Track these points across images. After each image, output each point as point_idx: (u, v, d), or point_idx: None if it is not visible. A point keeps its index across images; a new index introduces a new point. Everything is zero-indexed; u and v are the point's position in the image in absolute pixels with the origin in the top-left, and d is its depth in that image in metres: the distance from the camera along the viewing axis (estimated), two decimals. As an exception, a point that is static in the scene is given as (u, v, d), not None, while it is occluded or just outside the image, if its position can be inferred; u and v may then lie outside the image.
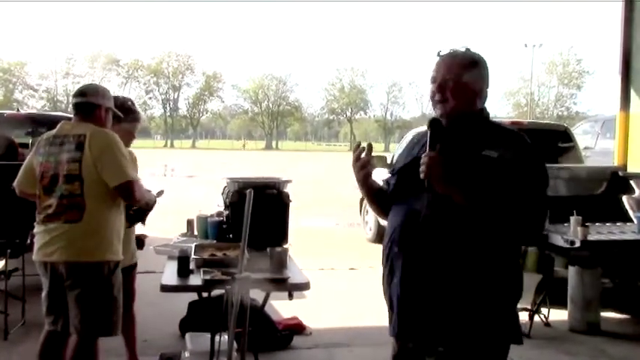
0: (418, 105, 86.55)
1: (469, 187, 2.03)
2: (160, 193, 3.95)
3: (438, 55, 2.26)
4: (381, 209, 2.40)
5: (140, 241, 4.03)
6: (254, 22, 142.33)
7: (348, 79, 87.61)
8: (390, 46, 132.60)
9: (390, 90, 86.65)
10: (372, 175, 2.34)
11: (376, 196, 2.43)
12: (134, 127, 3.92)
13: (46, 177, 3.27)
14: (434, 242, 2.09)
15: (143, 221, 3.84)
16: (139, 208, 3.72)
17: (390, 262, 2.24)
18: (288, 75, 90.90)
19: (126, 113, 3.80)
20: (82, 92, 3.43)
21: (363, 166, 2.27)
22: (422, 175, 2.06)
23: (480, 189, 2.03)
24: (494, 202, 2.02)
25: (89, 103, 3.37)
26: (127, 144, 3.89)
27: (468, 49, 2.26)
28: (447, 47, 2.26)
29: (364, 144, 2.31)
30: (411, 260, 2.14)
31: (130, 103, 3.97)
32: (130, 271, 3.86)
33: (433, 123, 2.16)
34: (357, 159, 2.27)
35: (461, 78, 2.17)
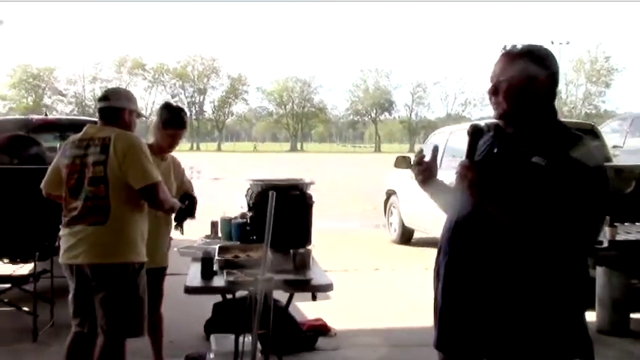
0: (443, 105, 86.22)
1: (505, 199, 1.91)
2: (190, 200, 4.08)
3: (503, 50, 2.10)
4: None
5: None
6: (278, 24, 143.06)
7: (373, 80, 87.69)
8: (414, 46, 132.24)
9: (414, 90, 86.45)
10: (434, 178, 2.25)
11: (443, 199, 2.31)
12: (177, 133, 3.99)
13: (72, 179, 3.31)
14: (474, 251, 2.01)
15: (193, 215, 3.99)
16: (189, 204, 3.90)
17: (437, 268, 2.19)
18: (313, 77, 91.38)
19: (174, 119, 3.94)
20: (104, 97, 3.49)
21: (425, 169, 2.22)
22: (454, 184, 2.01)
23: (518, 201, 1.90)
24: (531, 216, 1.88)
25: (112, 107, 3.42)
26: (169, 149, 4.01)
27: (525, 45, 2.07)
28: (510, 42, 2.09)
29: (425, 149, 2.27)
30: (452, 268, 2.09)
31: (182, 111, 4.10)
32: (160, 272, 3.92)
33: (473, 131, 2.06)
34: (418, 163, 2.24)
35: (515, 79, 2.01)
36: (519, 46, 2.07)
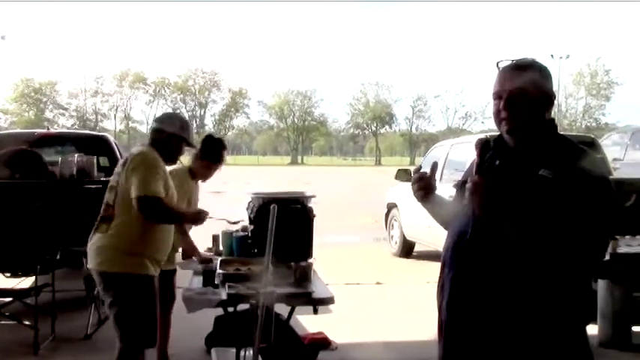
0: (444, 118, 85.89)
1: (515, 214, 1.90)
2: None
3: (497, 66, 2.09)
4: (447, 225, 2.30)
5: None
6: (279, 38, 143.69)
7: (373, 94, 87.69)
8: (414, 60, 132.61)
9: (415, 104, 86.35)
10: (433, 193, 2.25)
11: (442, 213, 2.32)
12: (212, 166, 4.31)
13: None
14: (480, 266, 1.99)
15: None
16: None
17: (441, 282, 2.17)
18: (313, 90, 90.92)
19: (212, 152, 4.24)
20: (155, 119, 3.76)
21: (425, 185, 2.23)
22: (465, 201, 1.98)
23: (528, 215, 1.88)
24: (542, 230, 1.87)
25: (156, 129, 3.62)
26: (203, 179, 4.35)
27: (524, 58, 2.08)
28: (505, 58, 2.09)
29: (426, 162, 2.28)
30: (458, 283, 2.07)
31: (223, 147, 4.35)
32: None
33: (481, 145, 2.04)
34: (417, 179, 2.24)
35: (528, 91, 2.01)
36: (515, 61, 2.07)
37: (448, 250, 2.15)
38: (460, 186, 2.21)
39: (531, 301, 1.93)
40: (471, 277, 2.02)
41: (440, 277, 2.19)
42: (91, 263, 3.41)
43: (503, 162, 2.05)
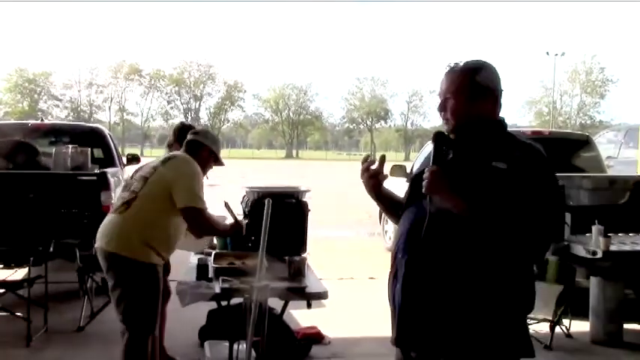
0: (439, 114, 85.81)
1: (472, 200, 2.00)
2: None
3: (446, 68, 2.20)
4: (396, 217, 2.39)
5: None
6: (275, 31, 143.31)
7: (369, 89, 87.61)
8: (410, 55, 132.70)
9: (410, 99, 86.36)
10: (383, 185, 2.36)
11: (390, 205, 2.44)
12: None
13: (132, 176, 3.61)
14: (435, 251, 2.06)
15: None
16: None
17: (394, 268, 2.23)
18: (309, 84, 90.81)
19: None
20: (196, 132, 3.84)
21: (373, 176, 2.31)
22: (423, 190, 2.06)
23: (484, 201, 1.99)
24: (497, 215, 1.99)
25: (198, 142, 3.70)
26: None
27: (468, 61, 2.18)
28: (453, 60, 2.19)
29: (373, 156, 2.34)
30: (412, 268, 2.13)
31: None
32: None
33: (437, 136, 2.16)
34: (365, 170, 2.32)
35: (460, 94, 2.12)
36: (461, 63, 2.17)
37: (401, 237, 2.21)
38: (414, 178, 2.28)
39: (477, 288, 2.03)
40: (426, 263, 2.09)
41: (392, 264, 2.25)
42: (99, 242, 3.41)
43: (456, 154, 2.14)
